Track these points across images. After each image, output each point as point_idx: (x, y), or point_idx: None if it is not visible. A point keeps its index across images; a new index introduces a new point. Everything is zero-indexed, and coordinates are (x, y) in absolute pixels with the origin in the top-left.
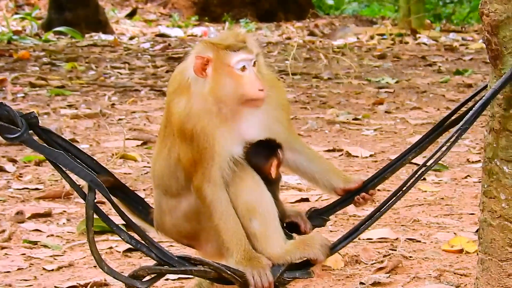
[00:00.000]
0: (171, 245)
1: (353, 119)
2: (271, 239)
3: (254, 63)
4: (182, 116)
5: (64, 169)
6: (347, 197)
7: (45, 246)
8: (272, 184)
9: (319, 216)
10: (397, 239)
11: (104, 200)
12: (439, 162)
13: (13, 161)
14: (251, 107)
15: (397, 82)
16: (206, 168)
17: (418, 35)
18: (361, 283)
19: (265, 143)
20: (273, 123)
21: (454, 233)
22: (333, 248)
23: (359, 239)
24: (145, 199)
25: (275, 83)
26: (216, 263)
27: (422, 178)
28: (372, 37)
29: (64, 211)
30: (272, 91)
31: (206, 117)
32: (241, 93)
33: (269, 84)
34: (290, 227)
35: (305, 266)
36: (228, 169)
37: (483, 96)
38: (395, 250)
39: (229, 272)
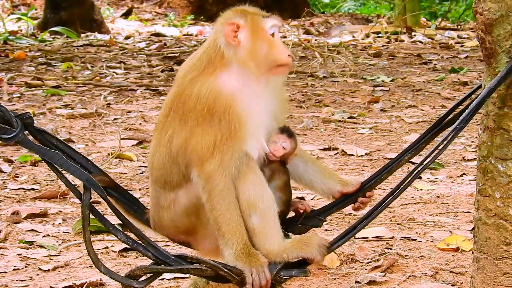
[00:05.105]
0: (167, 245)
1: (348, 118)
2: (269, 236)
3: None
4: (212, 94)
5: (59, 169)
6: (344, 198)
7: (41, 246)
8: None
9: (315, 217)
10: (392, 237)
11: (100, 200)
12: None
13: (9, 161)
14: (279, 74)
15: (392, 80)
16: (226, 154)
17: (413, 33)
18: (357, 282)
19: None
20: (279, 114)
21: (450, 232)
22: (330, 247)
23: (354, 237)
24: (141, 199)
25: None
26: (213, 261)
27: (418, 176)
28: (367, 36)
29: (60, 211)
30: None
31: (241, 92)
32: (273, 58)
33: None
34: (288, 225)
35: (301, 265)
36: (245, 158)
37: (479, 94)
38: (391, 249)
39: (226, 270)
